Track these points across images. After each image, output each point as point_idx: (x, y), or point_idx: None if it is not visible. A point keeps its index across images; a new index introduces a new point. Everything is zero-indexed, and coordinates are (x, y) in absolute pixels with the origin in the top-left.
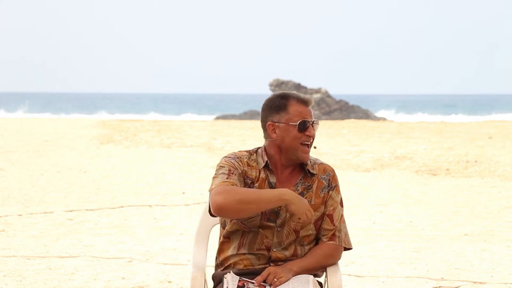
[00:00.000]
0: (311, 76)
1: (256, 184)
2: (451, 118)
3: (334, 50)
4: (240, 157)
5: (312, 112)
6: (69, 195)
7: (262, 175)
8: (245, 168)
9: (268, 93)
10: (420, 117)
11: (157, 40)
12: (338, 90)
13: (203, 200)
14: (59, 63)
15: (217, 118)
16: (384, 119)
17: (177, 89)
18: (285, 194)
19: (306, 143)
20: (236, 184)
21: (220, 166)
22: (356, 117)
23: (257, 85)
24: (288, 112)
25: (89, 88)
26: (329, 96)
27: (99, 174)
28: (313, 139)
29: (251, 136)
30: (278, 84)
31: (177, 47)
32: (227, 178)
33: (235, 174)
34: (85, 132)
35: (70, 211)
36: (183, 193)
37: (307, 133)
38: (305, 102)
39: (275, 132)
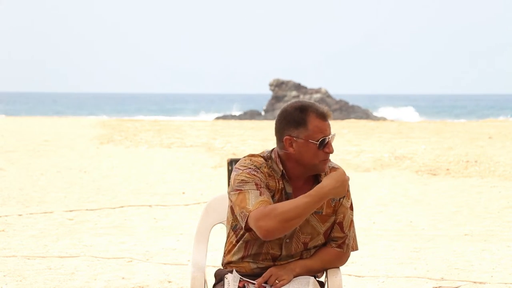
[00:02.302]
0: (311, 76)
1: (276, 197)
2: (450, 118)
3: (334, 49)
4: (259, 167)
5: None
6: (69, 195)
7: (280, 185)
8: (268, 180)
9: (268, 93)
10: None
11: (157, 40)
12: (338, 90)
13: (203, 200)
14: (59, 63)
15: (217, 118)
16: (384, 119)
17: (177, 89)
18: (325, 194)
19: (325, 159)
20: (270, 199)
21: (242, 180)
22: (356, 117)
23: (257, 85)
24: (307, 128)
25: (89, 88)
26: (329, 96)
27: (99, 174)
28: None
29: (251, 136)
30: (278, 84)
31: (177, 47)
32: (260, 195)
33: (264, 187)
34: (85, 132)
35: (70, 211)
36: (183, 193)
37: (326, 150)
38: (324, 117)
39: (292, 146)
